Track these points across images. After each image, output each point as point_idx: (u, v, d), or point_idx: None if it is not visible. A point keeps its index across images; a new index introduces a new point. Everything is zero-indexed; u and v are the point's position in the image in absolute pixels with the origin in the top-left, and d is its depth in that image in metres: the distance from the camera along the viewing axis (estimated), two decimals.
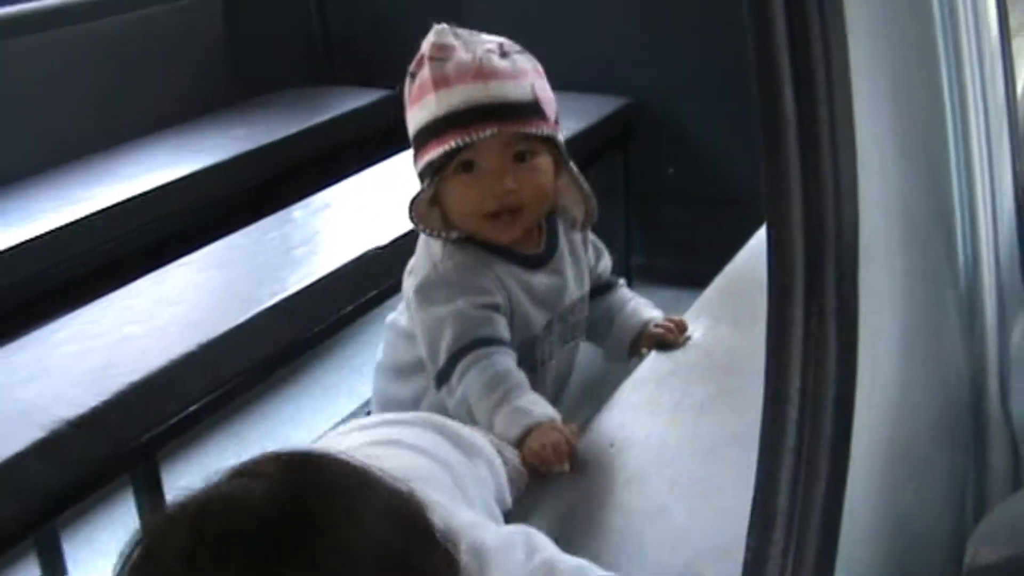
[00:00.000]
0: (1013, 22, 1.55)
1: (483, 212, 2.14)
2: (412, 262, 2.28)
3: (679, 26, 4.63)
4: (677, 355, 2.33)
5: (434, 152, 2.09)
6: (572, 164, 2.22)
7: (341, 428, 2.01)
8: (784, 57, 1.04)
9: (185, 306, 3.02)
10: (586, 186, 2.23)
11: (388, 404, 2.33)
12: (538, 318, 2.21)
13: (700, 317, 2.47)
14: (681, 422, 2.09)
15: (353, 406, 4.03)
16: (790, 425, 1.07)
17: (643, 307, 2.43)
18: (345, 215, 3.73)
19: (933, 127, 1.14)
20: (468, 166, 2.12)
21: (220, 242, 3.45)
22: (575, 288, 2.29)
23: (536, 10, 4.75)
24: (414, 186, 3.68)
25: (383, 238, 3.32)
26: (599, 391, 2.35)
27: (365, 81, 5.22)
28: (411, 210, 2.16)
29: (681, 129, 4.69)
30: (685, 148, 4.71)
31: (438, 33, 2.15)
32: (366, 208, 3.73)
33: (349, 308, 3.26)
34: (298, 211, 3.71)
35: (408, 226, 3.38)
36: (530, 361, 2.22)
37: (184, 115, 4.80)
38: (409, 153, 3.89)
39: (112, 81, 4.64)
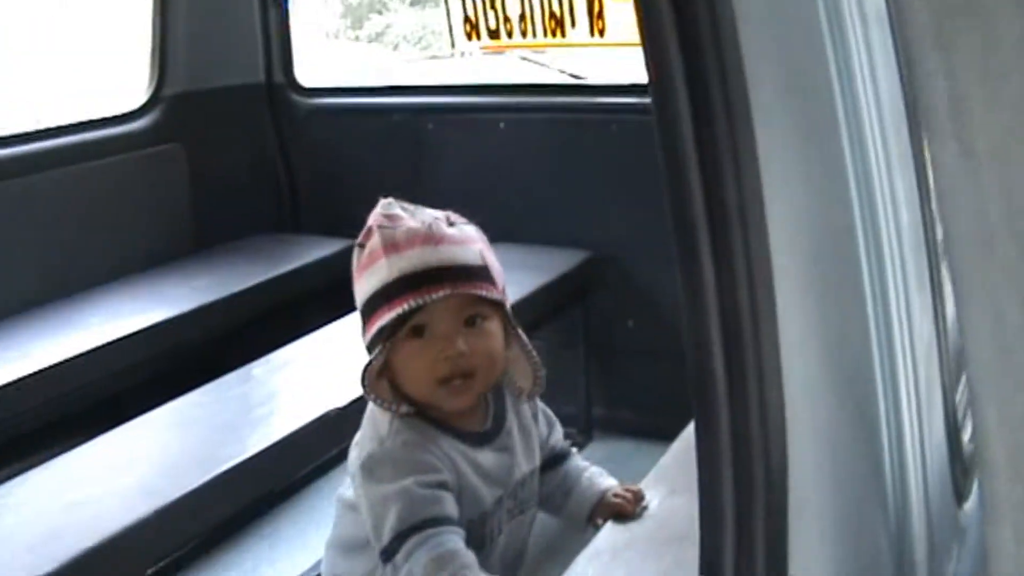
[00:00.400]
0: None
1: (435, 377, 2.14)
2: (358, 435, 2.27)
3: (639, 180, 4.68)
4: (633, 526, 2.33)
5: (385, 317, 2.09)
6: (521, 332, 2.23)
7: None
8: (713, 309, 1.06)
9: (143, 468, 3.01)
10: (535, 355, 2.24)
11: None
12: (487, 494, 2.21)
13: (656, 485, 2.47)
14: None
15: (314, 559, 4.00)
16: None
17: (598, 477, 2.44)
18: (306, 372, 3.73)
19: (859, 349, 1.16)
20: (419, 331, 2.13)
21: (179, 400, 3.43)
22: (524, 463, 2.29)
23: (496, 166, 4.81)
24: None
25: (342, 399, 3.33)
26: (560, 558, 2.34)
27: (330, 231, 5.25)
28: (363, 380, 2.16)
29: (641, 282, 4.72)
30: (645, 301, 4.74)
31: (385, 206, 2.18)
32: (326, 366, 3.73)
33: (308, 468, 3.26)
34: (259, 368, 3.71)
35: None
36: (479, 537, 2.21)
37: (146, 263, 4.79)
38: None
39: (74, 228, 4.63)
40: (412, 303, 2.08)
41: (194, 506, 2.87)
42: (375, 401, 2.19)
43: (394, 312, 2.08)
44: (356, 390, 3.33)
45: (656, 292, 4.70)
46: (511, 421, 2.28)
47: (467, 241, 2.16)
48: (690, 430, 2.66)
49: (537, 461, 2.34)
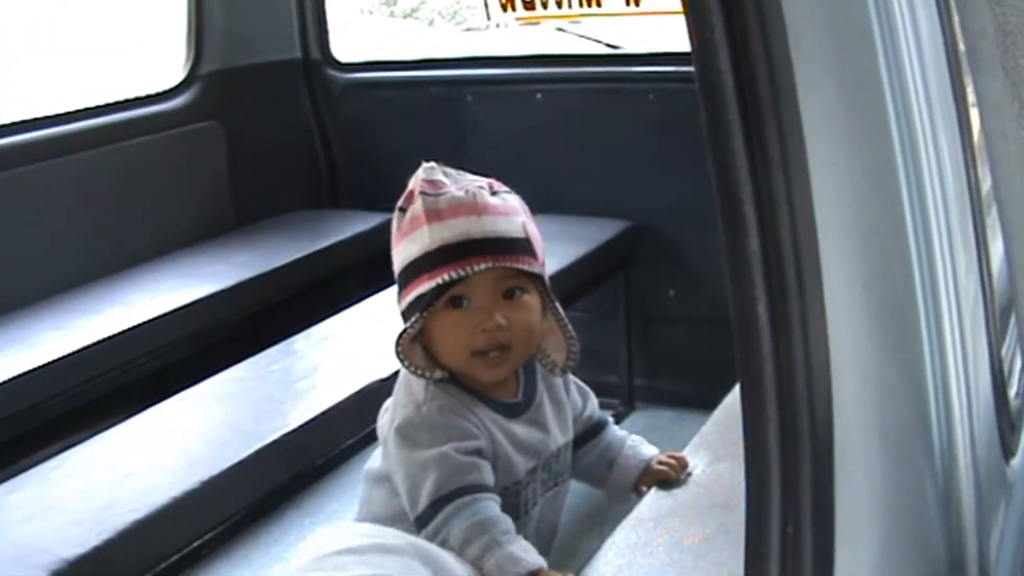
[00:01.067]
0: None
1: (472, 349, 2.13)
2: (388, 401, 2.26)
3: (677, 149, 4.67)
4: (676, 493, 2.33)
5: (424, 286, 2.09)
6: (557, 304, 2.22)
7: (329, 532, 2.00)
8: (757, 266, 1.06)
9: (188, 441, 3.03)
10: (570, 328, 2.23)
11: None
12: (521, 464, 2.20)
13: (699, 452, 2.47)
14: (679, 563, 2.08)
15: None
16: None
17: (640, 446, 2.43)
18: (346, 346, 3.74)
19: (905, 305, 1.15)
20: (457, 301, 2.12)
21: (222, 374, 3.45)
22: (559, 436, 2.28)
23: (534, 136, 4.80)
24: None
25: (384, 371, 3.33)
26: (597, 529, 2.34)
27: (367, 205, 5.25)
28: (397, 346, 2.15)
29: (682, 251, 4.71)
30: (686, 270, 4.73)
31: (427, 170, 2.16)
32: (367, 338, 3.73)
33: (350, 442, 3.26)
34: (300, 342, 3.72)
35: None
36: (514, 507, 2.20)
37: (186, 241, 4.81)
38: None
39: (114, 207, 4.65)
40: (453, 274, 2.07)
41: (237, 479, 2.88)
42: (408, 367, 2.17)
43: (434, 281, 2.07)
44: (397, 363, 3.38)
45: (696, 261, 4.68)
46: (541, 394, 2.27)
47: (510, 212, 2.15)
48: (732, 397, 2.69)
49: (571, 434, 2.33)
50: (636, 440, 2.44)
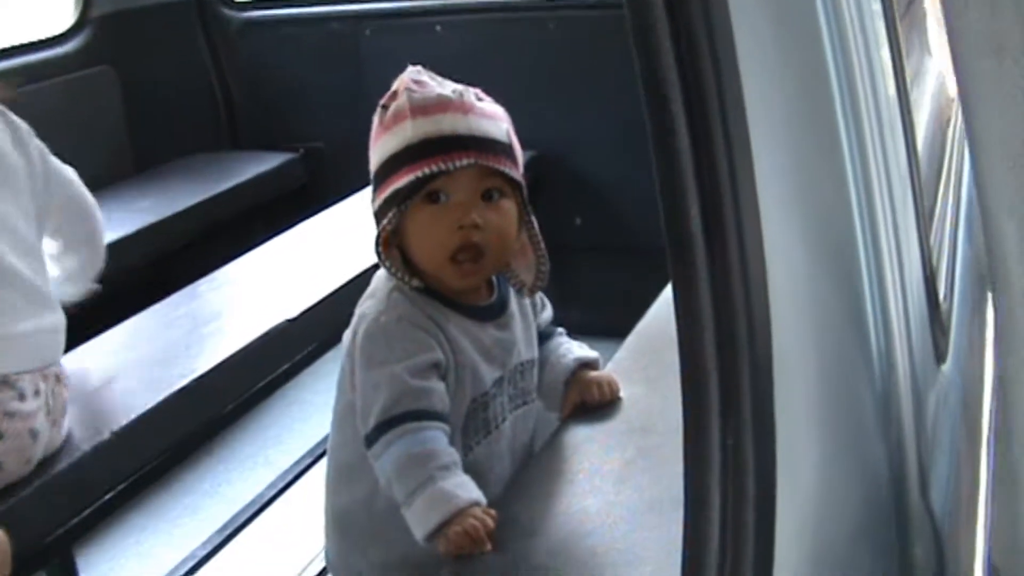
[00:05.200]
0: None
1: (447, 249, 2.08)
2: (358, 309, 2.21)
3: (580, 77, 4.66)
4: (593, 419, 2.31)
5: (403, 180, 2.03)
6: (533, 220, 2.18)
7: None
8: (688, 171, 1.03)
9: (94, 392, 2.97)
10: (542, 246, 2.20)
11: (341, 514, 2.27)
12: (488, 373, 2.17)
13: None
14: (600, 489, 2.07)
15: (271, 476, 4.00)
16: (711, 542, 1.06)
17: (576, 348, 2.40)
18: (252, 288, 3.69)
19: (839, 210, 1.13)
20: (435, 196, 2.07)
21: (127, 322, 3.39)
22: (524, 350, 2.25)
23: (438, 69, 4.74)
24: (321, 254, 3.66)
25: (292, 310, 3.30)
26: None
27: (268, 145, 5.20)
28: (377, 246, 2.10)
29: (587, 179, 4.71)
30: (592, 198, 4.72)
31: (413, 72, 2.12)
32: (272, 280, 3.70)
33: (261, 384, 3.22)
34: (204, 285, 3.66)
35: (318, 295, 3.40)
36: (484, 419, 2.18)
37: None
38: (314, 220, 3.88)
39: None
40: (434, 167, 2.01)
41: (146, 428, 2.83)
42: (387, 268, 2.13)
43: (414, 174, 2.02)
44: (305, 301, 3.34)
45: (602, 189, 4.68)
46: (513, 306, 2.24)
47: (495, 116, 2.12)
48: (643, 324, 2.68)
49: (536, 352, 2.30)
50: (575, 344, 2.41)
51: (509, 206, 2.12)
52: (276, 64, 5.31)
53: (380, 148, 2.11)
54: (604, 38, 4.07)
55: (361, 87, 4.85)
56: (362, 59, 5.01)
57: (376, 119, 2.13)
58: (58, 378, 2.67)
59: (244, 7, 5.40)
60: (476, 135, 2.06)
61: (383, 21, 5.06)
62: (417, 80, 2.10)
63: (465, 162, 2.03)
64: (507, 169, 2.08)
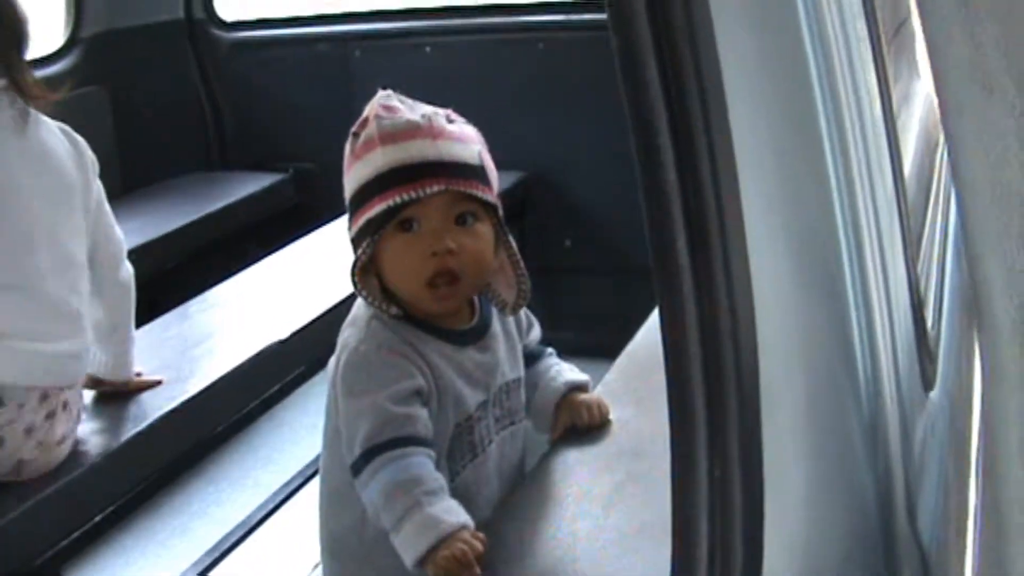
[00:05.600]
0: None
1: (422, 276, 2.07)
2: (340, 338, 2.21)
3: (569, 98, 4.67)
4: (583, 442, 2.31)
5: (376, 209, 2.03)
6: (511, 239, 2.18)
7: None
8: (676, 200, 1.04)
9: (86, 415, 2.97)
10: (522, 265, 2.18)
11: (334, 539, 2.26)
12: (471, 397, 2.16)
13: None
14: (589, 514, 2.07)
15: (261, 498, 3.99)
16: (700, 572, 1.06)
17: (565, 370, 2.39)
18: (242, 309, 3.69)
19: (825, 237, 1.13)
20: (407, 225, 2.06)
21: None
22: (509, 370, 2.24)
23: (424, 90, 4.75)
24: (311, 275, 3.66)
25: (283, 331, 3.30)
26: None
27: (258, 165, 5.20)
28: (353, 276, 2.10)
29: (577, 201, 4.71)
30: (581, 220, 4.73)
31: (383, 97, 2.12)
32: (263, 301, 3.70)
33: (252, 405, 3.23)
34: (195, 307, 3.67)
35: (308, 317, 3.40)
36: (469, 443, 2.17)
37: None
38: (304, 241, 3.89)
39: None
40: (405, 196, 2.01)
41: (137, 449, 2.83)
42: (364, 297, 2.13)
43: (385, 203, 2.01)
44: (295, 323, 3.34)
45: (592, 210, 4.69)
46: (496, 327, 2.23)
47: (466, 139, 2.10)
48: (632, 346, 2.68)
49: (521, 371, 2.30)
50: (566, 367, 2.41)
51: (484, 229, 2.12)
52: (265, 85, 5.31)
53: (352, 177, 2.10)
54: (593, 60, 4.07)
55: (350, 108, 4.80)
56: (351, 80, 5.01)
57: (348, 147, 2.13)
58: (65, 405, 2.67)
59: (234, 28, 5.40)
60: (446, 160, 2.05)
61: (372, 42, 5.07)
62: (387, 106, 2.10)
63: (435, 188, 2.02)
64: (479, 193, 2.07)
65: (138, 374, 3.05)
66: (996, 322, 1.01)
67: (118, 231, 2.99)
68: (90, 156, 2.87)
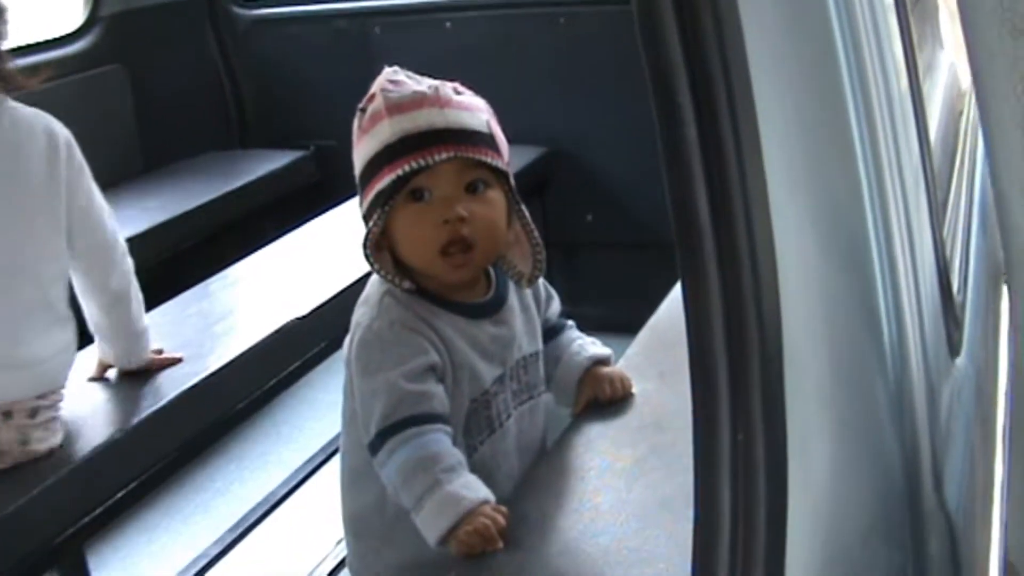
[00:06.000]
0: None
1: (435, 245, 2.05)
2: (354, 317, 2.20)
3: (590, 72, 4.65)
4: (605, 415, 2.30)
5: (385, 179, 2.01)
6: (524, 209, 2.15)
7: None
8: (697, 162, 1.02)
9: (106, 391, 2.97)
10: (536, 235, 2.16)
11: (355, 517, 2.25)
12: (487, 372, 2.14)
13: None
14: (612, 487, 2.06)
15: (284, 474, 4.00)
16: (722, 540, 1.05)
17: (590, 345, 2.38)
18: (262, 286, 3.69)
19: (850, 202, 1.12)
20: (418, 194, 2.04)
21: None
22: (525, 343, 2.22)
23: (445, 66, 4.74)
24: (332, 251, 3.65)
25: (303, 308, 3.29)
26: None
27: (278, 143, 5.19)
28: (365, 250, 2.08)
29: (598, 175, 4.70)
30: (603, 194, 4.71)
31: (389, 72, 2.10)
32: (284, 277, 3.70)
33: (272, 382, 3.22)
34: (215, 284, 3.66)
35: (328, 293, 3.39)
36: (486, 419, 2.16)
37: None
38: (324, 218, 3.87)
39: None
40: (414, 164, 1.99)
41: (158, 427, 2.83)
42: (376, 270, 2.11)
43: (394, 173, 1.99)
44: (315, 299, 3.34)
45: (613, 184, 4.67)
46: (513, 300, 2.22)
47: (474, 108, 2.08)
48: (655, 319, 2.67)
49: (539, 344, 2.28)
50: (588, 340, 2.39)
51: (495, 196, 2.10)
52: (285, 62, 5.30)
53: (361, 151, 2.09)
54: (614, 33, 4.06)
55: (370, 84, 4.85)
56: (371, 56, 4.99)
57: (356, 123, 2.11)
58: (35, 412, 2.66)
59: (253, 5, 5.40)
60: (453, 128, 2.03)
61: (392, 18, 5.06)
62: (393, 80, 2.08)
63: (444, 155, 2.00)
64: (489, 159, 2.05)
65: (159, 351, 3.04)
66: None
67: (109, 233, 2.88)
68: (64, 144, 2.79)
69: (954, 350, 1.34)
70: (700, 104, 1.05)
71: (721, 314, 1.05)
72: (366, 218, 2.08)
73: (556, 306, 2.37)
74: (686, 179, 1.04)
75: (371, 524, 2.20)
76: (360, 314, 2.15)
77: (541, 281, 2.29)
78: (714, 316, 1.05)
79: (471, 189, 2.06)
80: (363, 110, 2.09)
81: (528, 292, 2.26)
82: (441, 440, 2.02)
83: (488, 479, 2.06)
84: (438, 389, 2.07)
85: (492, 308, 2.18)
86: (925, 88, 1.60)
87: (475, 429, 2.14)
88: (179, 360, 3.03)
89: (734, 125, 1.04)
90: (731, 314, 1.05)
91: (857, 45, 1.12)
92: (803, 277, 1.07)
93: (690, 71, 1.04)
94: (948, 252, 1.44)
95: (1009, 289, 1.10)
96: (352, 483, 2.23)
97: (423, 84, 2.08)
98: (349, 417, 2.18)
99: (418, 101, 2.04)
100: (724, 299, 1.05)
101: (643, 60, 1.07)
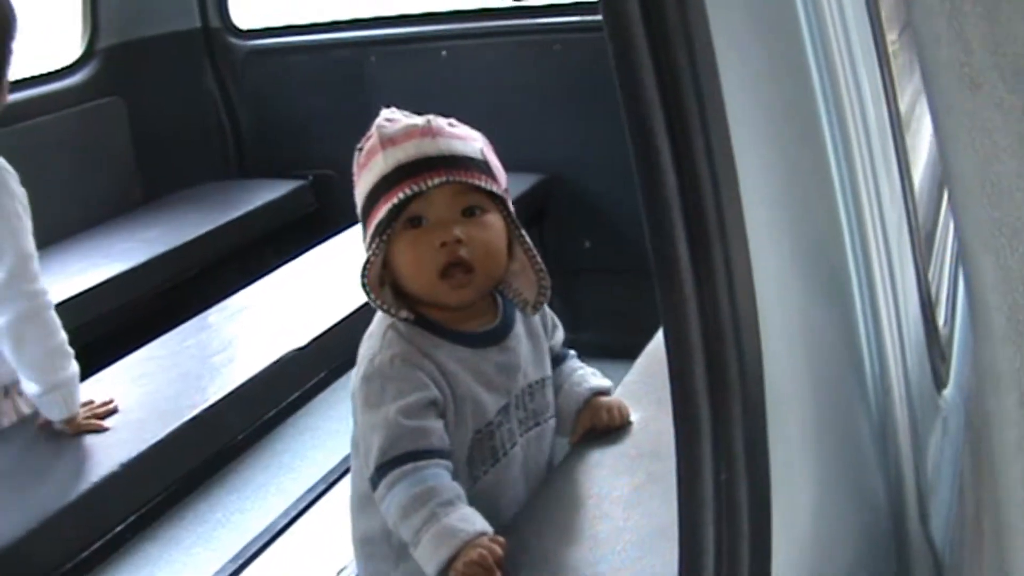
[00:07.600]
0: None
1: (433, 267, 2.07)
2: (360, 350, 2.21)
3: (586, 99, 4.66)
4: (603, 443, 2.31)
5: (383, 210, 2.04)
6: (525, 235, 2.17)
7: None
8: (676, 208, 1.03)
9: (105, 423, 2.98)
10: (539, 261, 2.18)
11: (364, 541, 2.26)
12: (491, 402, 2.15)
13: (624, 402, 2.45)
14: (609, 515, 2.07)
15: (284, 504, 3.99)
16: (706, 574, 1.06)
17: (591, 376, 2.39)
18: (261, 317, 3.70)
19: (830, 239, 1.13)
20: (416, 221, 2.07)
21: (137, 353, 3.40)
22: (532, 370, 2.24)
23: (441, 94, 4.76)
24: (331, 281, 3.66)
25: (302, 338, 3.30)
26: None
27: (276, 173, 5.20)
28: (363, 278, 2.09)
29: (595, 202, 4.70)
30: (601, 220, 4.72)
31: (385, 113, 2.14)
32: (281, 308, 3.70)
33: (272, 413, 3.23)
34: (215, 315, 3.67)
35: (327, 323, 3.40)
36: (490, 449, 2.17)
37: (94, 220, 4.74)
38: (323, 247, 3.88)
39: None
40: (408, 190, 2.02)
41: (158, 459, 2.84)
42: (373, 301, 2.13)
43: (390, 202, 2.02)
44: (314, 330, 3.34)
45: (611, 211, 4.68)
46: (519, 327, 2.23)
47: (467, 137, 2.12)
48: (653, 345, 2.67)
49: (548, 371, 2.29)
50: (589, 371, 2.41)
51: (494, 220, 2.12)
52: (283, 92, 5.32)
53: (361, 187, 2.13)
54: (609, 61, 4.08)
55: (368, 113, 4.83)
56: (368, 85, 5.02)
57: (355, 161, 2.15)
58: None
59: (250, 36, 5.41)
60: (446, 155, 2.06)
61: (388, 47, 5.07)
62: (389, 118, 2.13)
63: (437, 180, 2.03)
64: (483, 183, 2.07)
65: (88, 403, 3.00)
66: (989, 320, 1.00)
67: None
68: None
69: (940, 383, 1.35)
70: (676, 140, 1.06)
71: (702, 353, 1.06)
72: (368, 250, 2.10)
73: (560, 335, 2.38)
74: (664, 218, 1.06)
75: (380, 548, 2.21)
76: (365, 348, 2.17)
77: (549, 313, 2.31)
78: (695, 355, 1.07)
79: (468, 213, 2.09)
80: (361, 149, 2.13)
81: (536, 319, 2.27)
82: (439, 475, 2.03)
83: (492, 506, 2.08)
84: (437, 424, 2.08)
85: (499, 335, 2.20)
86: (910, 122, 1.61)
87: (479, 459, 2.16)
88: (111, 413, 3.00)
89: (711, 162, 1.05)
90: (712, 353, 1.06)
91: (834, 81, 1.13)
92: (784, 315, 1.09)
93: (667, 112, 1.05)
94: (934, 284, 1.44)
95: (974, 342, 1.10)
96: (361, 508, 2.24)
97: (417, 118, 2.11)
98: (356, 445, 2.19)
99: (410, 132, 2.07)
100: (705, 338, 1.06)
101: (620, 102, 1.08)
